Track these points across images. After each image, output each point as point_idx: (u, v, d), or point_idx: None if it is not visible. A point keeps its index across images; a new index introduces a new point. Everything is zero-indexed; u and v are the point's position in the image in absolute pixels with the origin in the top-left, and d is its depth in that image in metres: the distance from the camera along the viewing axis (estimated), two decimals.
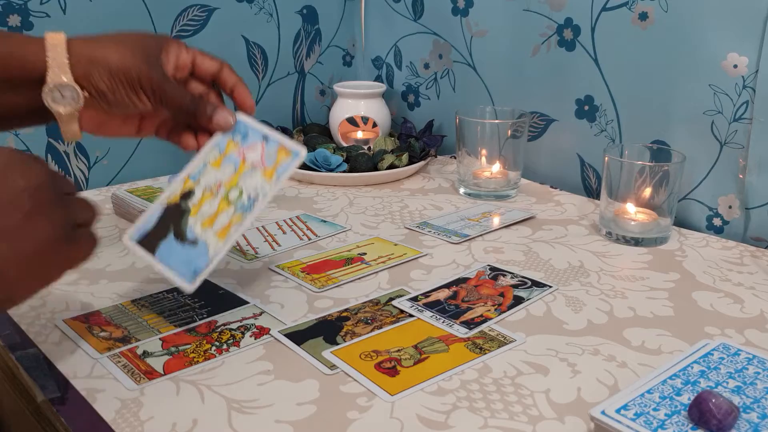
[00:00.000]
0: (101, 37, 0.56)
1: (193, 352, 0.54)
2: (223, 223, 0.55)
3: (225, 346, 0.55)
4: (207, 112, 0.59)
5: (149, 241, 0.55)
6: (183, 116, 0.59)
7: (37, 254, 0.41)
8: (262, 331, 0.57)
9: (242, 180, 0.57)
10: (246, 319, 0.59)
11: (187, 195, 0.57)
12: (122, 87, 0.54)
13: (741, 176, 0.78)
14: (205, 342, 0.55)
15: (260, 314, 0.60)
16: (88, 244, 0.46)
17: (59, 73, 0.53)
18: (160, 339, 0.56)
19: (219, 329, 0.58)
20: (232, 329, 0.58)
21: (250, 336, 0.56)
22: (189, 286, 0.53)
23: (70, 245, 0.44)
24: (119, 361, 0.53)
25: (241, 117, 0.60)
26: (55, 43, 0.53)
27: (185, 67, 0.59)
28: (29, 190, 0.41)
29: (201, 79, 0.61)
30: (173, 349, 0.54)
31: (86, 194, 0.92)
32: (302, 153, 0.58)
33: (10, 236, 0.40)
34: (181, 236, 0.55)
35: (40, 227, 0.41)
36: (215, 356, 0.53)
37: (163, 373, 0.51)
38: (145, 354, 0.54)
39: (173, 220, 0.56)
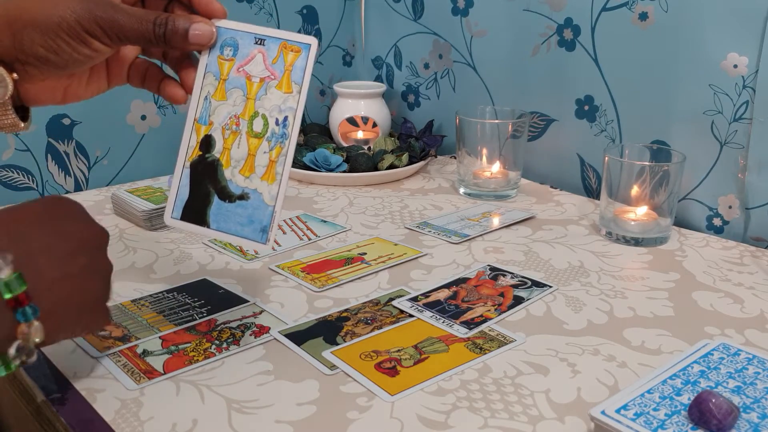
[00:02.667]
0: None
1: (193, 350, 0.54)
2: (264, 163, 0.47)
3: (225, 345, 0.55)
4: (178, 28, 0.47)
5: (195, 213, 0.48)
6: (150, 45, 0.47)
7: (88, 306, 0.44)
8: (262, 330, 0.57)
9: (260, 104, 0.48)
10: (246, 317, 0.59)
11: (206, 144, 0.49)
12: (64, 42, 0.44)
13: (741, 176, 0.78)
14: (204, 340, 0.55)
15: (260, 313, 0.60)
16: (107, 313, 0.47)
17: None
18: (159, 338, 0.56)
19: (219, 328, 0.58)
20: (232, 328, 0.58)
21: (250, 334, 0.56)
22: (265, 246, 0.47)
23: (103, 308, 0.46)
24: (119, 361, 0.53)
25: (221, 23, 0.49)
26: None
27: None
28: (92, 249, 0.44)
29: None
30: (173, 347, 0.54)
31: (86, 194, 0.92)
32: (313, 44, 0.48)
33: (68, 283, 0.42)
34: (226, 195, 0.47)
35: (95, 284, 0.44)
36: (215, 354, 0.53)
37: (163, 372, 0.51)
38: (145, 353, 0.54)
39: (209, 179, 0.48)
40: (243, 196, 0.47)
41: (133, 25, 0.46)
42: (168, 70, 0.54)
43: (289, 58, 0.48)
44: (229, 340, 0.55)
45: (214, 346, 0.55)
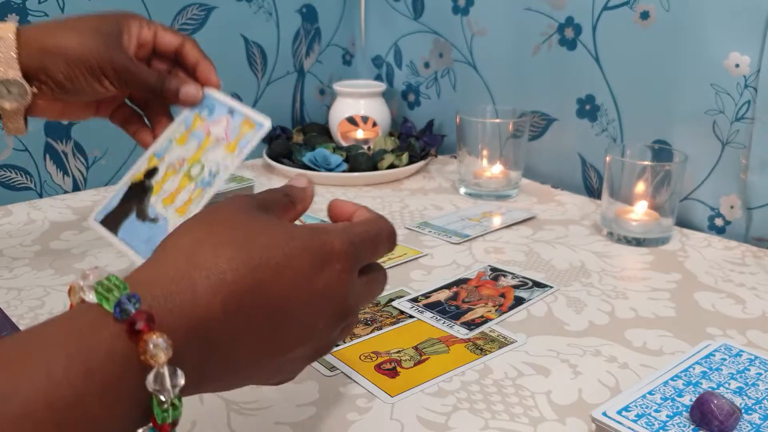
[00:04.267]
0: (56, 24, 0.53)
1: None
2: (183, 199, 0.55)
3: None
4: (172, 87, 0.57)
5: (112, 221, 0.55)
6: (148, 94, 0.58)
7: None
8: None
9: (204, 155, 0.56)
10: None
11: (151, 173, 0.57)
12: (82, 76, 0.53)
13: (743, 176, 0.78)
14: None
15: None
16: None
17: (5, 68, 0.51)
18: None
19: None
20: None
21: None
22: None
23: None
24: None
25: (209, 91, 0.60)
26: (2, 36, 0.50)
27: (147, 44, 0.58)
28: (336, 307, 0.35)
29: (163, 55, 0.60)
30: None
31: (84, 194, 0.91)
32: (266, 124, 0.57)
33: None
34: (142, 215, 0.55)
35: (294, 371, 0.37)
36: None
37: None
38: None
39: (136, 199, 0.56)
40: (154, 219, 0.55)
41: (141, 75, 0.55)
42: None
43: (244, 129, 0.57)
44: None
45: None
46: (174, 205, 0.55)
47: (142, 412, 0.29)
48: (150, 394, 0.29)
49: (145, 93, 0.58)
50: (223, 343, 0.31)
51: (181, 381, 0.29)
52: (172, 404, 0.29)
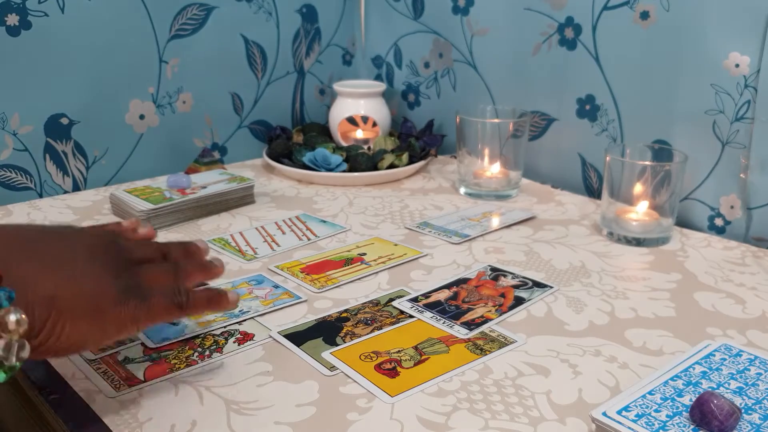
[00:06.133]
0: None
1: (174, 358, 0.53)
2: (207, 318, 0.59)
3: (207, 352, 0.54)
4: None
5: None
6: None
7: (92, 296, 0.41)
8: (246, 337, 0.56)
9: (242, 302, 0.62)
10: (230, 324, 0.58)
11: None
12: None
13: (743, 176, 0.78)
14: (187, 348, 0.55)
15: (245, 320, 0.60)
16: (158, 306, 0.44)
17: None
18: (141, 344, 0.55)
19: (202, 335, 0.57)
20: (215, 335, 0.57)
21: (234, 342, 0.56)
22: (149, 342, 0.55)
23: (128, 303, 0.42)
24: (99, 368, 0.52)
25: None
26: None
27: None
28: (89, 243, 0.43)
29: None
30: (154, 355, 0.53)
31: (84, 194, 0.91)
32: (303, 298, 0.63)
33: (66, 271, 0.40)
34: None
35: (97, 274, 0.42)
36: (197, 362, 0.53)
37: (143, 379, 0.50)
38: (126, 360, 0.53)
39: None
40: (175, 323, 0.58)
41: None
42: None
43: (283, 297, 0.63)
44: (212, 348, 0.55)
45: (196, 354, 0.54)
46: (197, 319, 0.59)
47: None
48: None
49: None
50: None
51: (25, 355, 0.37)
52: (10, 368, 0.36)
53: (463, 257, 0.73)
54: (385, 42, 1.18)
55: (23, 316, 0.36)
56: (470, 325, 0.58)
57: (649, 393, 0.45)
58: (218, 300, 0.47)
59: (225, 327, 0.58)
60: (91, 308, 0.41)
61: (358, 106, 1.09)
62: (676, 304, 0.63)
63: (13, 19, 0.84)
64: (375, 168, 0.98)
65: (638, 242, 0.76)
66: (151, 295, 0.44)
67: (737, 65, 0.75)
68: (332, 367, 0.52)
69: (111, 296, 0.42)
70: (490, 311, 0.61)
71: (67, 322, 0.39)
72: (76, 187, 0.94)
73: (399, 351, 0.54)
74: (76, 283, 0.40)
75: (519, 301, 0.63)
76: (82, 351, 0.41)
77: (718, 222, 0.81)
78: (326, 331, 0.57)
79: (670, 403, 0.44)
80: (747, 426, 0.42)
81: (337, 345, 0.55)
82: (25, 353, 0.37)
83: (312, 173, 0.96)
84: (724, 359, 0.49)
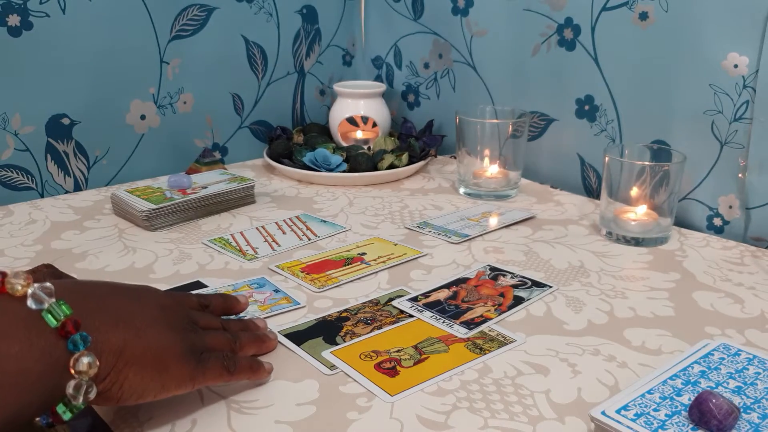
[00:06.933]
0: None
1: None
2: None
3: None
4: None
5: None
6: None
7: (158, 351, 0.43)
8: None
9: None
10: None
11: None
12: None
13: (741, 176, 0.78)
14: None
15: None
16: (213, 369, 0.46)
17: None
18: None
19: None
20: None
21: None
22: None
23: (189, 362, 0.44)
24: None
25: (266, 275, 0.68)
26: None
27: None
28: (159, 303, 0.46)
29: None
30: None
31: (85, 194, 0.92)
32: (302, 303, 0.62)
33: (137, 326, 0.42)
34: None
35: (164, 332, 0.44)
36: None
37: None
38: None
39: None
40: None
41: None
42: None
43: (281, 302, 0.63)
44: None
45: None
46: None
47: (44, 399, 0.38)
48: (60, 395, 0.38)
49: None
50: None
51: (93, 395, 0.39)
52: (76, 407, 0.39)
53: (463, 257, 0.73)
54: (385, 43, 1.18)
55: (96, 360, 0.39)
56: (470, 325, 0.58)
57: (648, 392, 0.45)
58: (258, 371, 0.50)
59: None
60: (156, 362, 0.43)
61: (358, 107, 1.09)
62: (674, 304, 0.63)
63: (14, 20, 0.84)
64: (375, 168, 0.98)
65: (637, 242, 0.76)
66: (209, 358, 0.46)
67: (736, 66, 0.75)
68: (332, 367, 0.52)
69: (175, 353, 0.44)
70: (489, 311, 0.61)
71: (130, 372, 0.41)
72: (78, 187, 0.94)
73: (399, 350, 0.55)
74: (145, 337, 0.42)
75: (518, 301, 0.63)
76: (140, 401, 0.43)
77: (717, 222, 0.82)
78: (326, 330, 0.57)
79: (669, 402, 0.44)
80: (745, 425, 0.42)
81: (337, 344, 0.55)
82: (92, 395, 0.39)
83: (312, 173, 0.97)
84: (723, 358, 0.49)
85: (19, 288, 0.38)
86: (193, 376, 0.45)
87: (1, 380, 0.36)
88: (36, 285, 0.39)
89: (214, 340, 0.48)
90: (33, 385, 0.37)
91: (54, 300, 0.39)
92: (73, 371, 0.38)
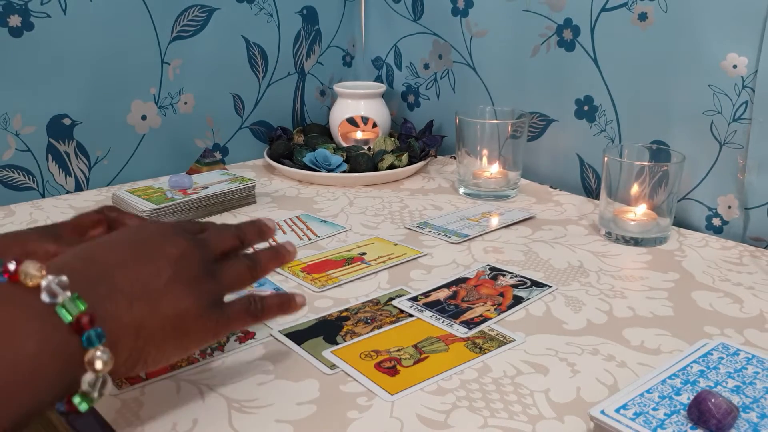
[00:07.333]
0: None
1: None
2: None
3: (209, 350, 0.54)
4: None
5: None
6: None
7: (176, 320, 0.42)
8: (247, 336, 0.57)
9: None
10: None
11: None
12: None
13: (740, 176, 0.78)
14: None
15: None
16: (237, 317, 0.46)
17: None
18: None
19: None
20: None
21: (235, 340, 0.56)
22: None
23: (210, 318, 0.44)
24: None
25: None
26: None
27: None
28: (172, 258, 0.43)
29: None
30: None
31: (86, 194, 0.92)
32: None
33: (152, 299, 0.41)
34: None
35: (181, 296, 0.42)
36: (198, 360, 0.53)
37: (145, 377, 0.51)
38: None
39: None
40: None
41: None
42: None
43: None
44: (213, 346, 0.55)
45: (197, 351, 0.54)
46: None
47: (60, 394, 0.37)
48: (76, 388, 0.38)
49: None
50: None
51: (108, 390, 0.38)
52: (92, 400, 0.38)
53: (463, 257, 0.73)
54: (385, 43, 1.18)
55: (111, 357, 0.38)
56: (469, 324, 0.59)
57: (647, 391, 0.45)
58: (288, 304, 0.49)
59: None
60: (175, 331, 0.42)
61: (358, 107, 1.10)
62: (673, 304, 0.63)
63: (15, 20, 0.84)
64: (375, 168, 0.99)
65: (636, 242, 0.77)
66: (230, 307, 0.45)
67: (735, 66, 0.75)
68: (332, 366, 0.52)
69: (194, 315, 0.43)
70: (489, 310, 0.61)
71: (151, 348, 0.41)
72: (79, 188, 0.94)
73: (399, 350, 0.55)
74: (161, 309, 0.42)
75: (518, 301, 0.63)
76: (165, 365, 0.44)
77: (716, 222, 0.82)
78: (326, 329, 0.58)
79: (668, 402, 0.44)
80: (744, 424, 0.42)
81: (337, 344, 0.55)
82: (107, 389, 0.39)
83: (312, 174, 0.97)
84: (722, 358, 0.49)
85: (33, 279, 0.37)
86: (217, 331, 0.44)
87: (17, 379, 0.35)
88: (50, 277, 0.37)
89: (233, 273, 0.47)
90: (49, 383, 0.37)
91: (68, 294, 0.37)
92: (88, 368, 0.38)
